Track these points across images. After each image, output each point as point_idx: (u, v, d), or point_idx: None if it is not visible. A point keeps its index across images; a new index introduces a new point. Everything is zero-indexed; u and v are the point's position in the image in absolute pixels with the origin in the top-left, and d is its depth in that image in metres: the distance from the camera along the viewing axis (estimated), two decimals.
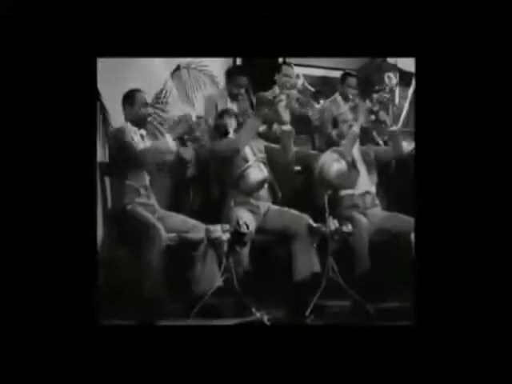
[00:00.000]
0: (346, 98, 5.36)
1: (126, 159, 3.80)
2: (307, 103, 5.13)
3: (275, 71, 5.33)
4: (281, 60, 5.75)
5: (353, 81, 5.40)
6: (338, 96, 5.39)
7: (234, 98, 4.90)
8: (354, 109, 5.08)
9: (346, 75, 5.44)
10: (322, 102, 5.16)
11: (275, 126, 4.72)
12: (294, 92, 5.23)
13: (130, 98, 3.96)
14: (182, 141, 4.02)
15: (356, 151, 4.57)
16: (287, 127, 4.36)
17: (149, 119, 4.05)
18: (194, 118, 4.50)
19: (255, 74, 5.28)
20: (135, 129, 3.91)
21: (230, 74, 4.93)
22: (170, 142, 3.76)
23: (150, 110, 4.06)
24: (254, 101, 5.08)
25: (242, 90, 4.91)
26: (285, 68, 5.26)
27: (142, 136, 3.93)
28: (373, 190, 4.55)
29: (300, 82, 5.34)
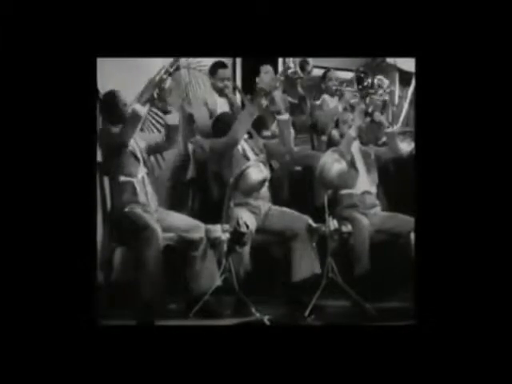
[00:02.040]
0: (331, 93, 5.39)
1: (111, 151, 3.82)
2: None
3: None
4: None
5: (332, 74, 5.41)
6: (324, 95, 5.41)
7: (220, 92, 4.87)
8: (341, 99, 5.14)
9: (325, 73, 5.46)
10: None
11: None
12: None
13: (109, 99, 3.96)
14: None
15: (356, 151, 4.59)
16: (284, 116, 4.33)
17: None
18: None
19: (256, 73, 5.27)
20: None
21: (212, 69, 4.90)
22: (139, 109, 3.70)
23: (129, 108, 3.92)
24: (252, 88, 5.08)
25: (228, 83, 4.89)
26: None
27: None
28: (373, 190, 4.57)
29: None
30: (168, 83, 3.84)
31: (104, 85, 4.28)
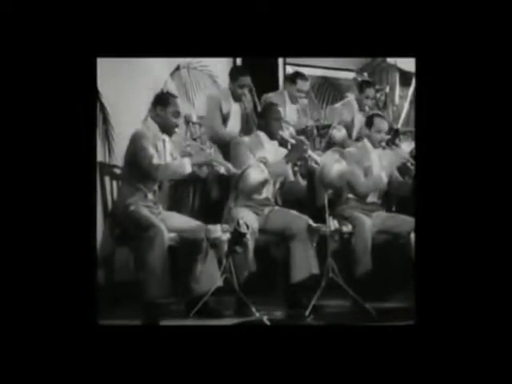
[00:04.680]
0: (361, 106, 5.38)
1: (139, 166, 3.76)
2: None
3: (287, 80, 5.32)
4: (290, 70, 5.68)
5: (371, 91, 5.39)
6: (351, 99, 5.40)
7: (237, 98, 4.89)
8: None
9: (363, 83, 5.44)
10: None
11: None
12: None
13: (163, 100, 3.90)
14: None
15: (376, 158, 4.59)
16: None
17: (176, 130, 3.90)
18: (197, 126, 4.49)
19: (256, 73, 5.28)
20: (159, 133, 3.86)
21: (233, 74, 4.90)
22: (187, 166, 3.71)
23: (180, 121, 3.95)
24: (257, 100, 5.08)
25: (246, 90, 4.89)
26: (300, 83, 5.16)
27: (163, 141, 3.88)
28: (379, 202, 4.59)
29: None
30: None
31: (104, 85, 4.29)
